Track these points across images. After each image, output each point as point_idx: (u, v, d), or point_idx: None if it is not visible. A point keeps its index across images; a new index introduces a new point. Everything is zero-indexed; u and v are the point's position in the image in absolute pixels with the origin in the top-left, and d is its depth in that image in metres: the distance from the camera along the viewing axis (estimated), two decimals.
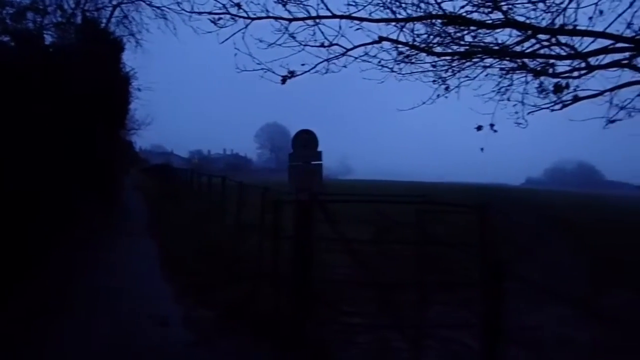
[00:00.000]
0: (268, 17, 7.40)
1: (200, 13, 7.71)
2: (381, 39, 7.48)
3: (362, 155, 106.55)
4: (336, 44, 7.64)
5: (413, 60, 8.25)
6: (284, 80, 7.82)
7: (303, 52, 7.86)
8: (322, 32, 7.56)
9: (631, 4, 7.01)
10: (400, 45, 7.76)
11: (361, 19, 7.18)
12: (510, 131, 9.19)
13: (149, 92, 26.29)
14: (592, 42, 7.47)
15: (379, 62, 7.96)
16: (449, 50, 8.45)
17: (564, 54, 7.71)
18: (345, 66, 7.84)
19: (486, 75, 8.89)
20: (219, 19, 7.44)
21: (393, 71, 8.44)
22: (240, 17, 7.37)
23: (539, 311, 7.42)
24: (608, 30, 7.44)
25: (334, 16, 7.16)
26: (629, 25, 7.62)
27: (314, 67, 7.83)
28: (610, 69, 8.05)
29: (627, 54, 7.59)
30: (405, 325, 5.80)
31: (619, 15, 7.07)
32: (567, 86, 7.91)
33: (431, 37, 7.94)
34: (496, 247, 4.89)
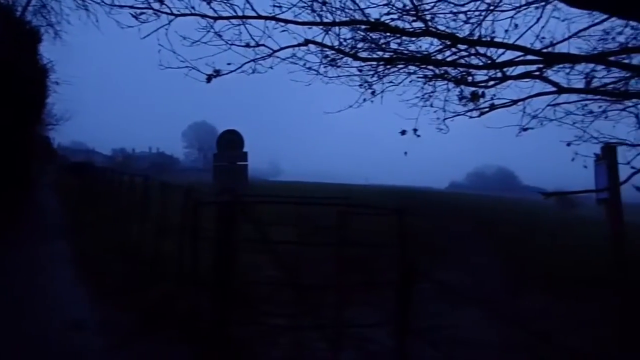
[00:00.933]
0: (192, 14, 7.24)
1: (121, 7, 7.43)
2: (307, 41, 7.52)
3: (293, 157, 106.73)
4: (263, 45, 7.62)
5: (339, 64, 8.38)
6: (209, 79, 7.70)
7: (230, 51, 7.79)
8: (248, 32, 7.52)
9: (538, 20, 7.48)
10: (326, 49, 7.85)
11: (286, 21, 7.19)
12: (435, 136, 9.53)
13: (69, 86, 24.89)
14: (503, 53, 7.90)
15: (304, 64, 8.02)
16: (375, 56, 8.64)
17: (482, 63, 8.07)
18: (271, 67, 7.85)
19: (410, 82, 9.19)
20: (141, 13, 7.21)
21: (320, 74, 8.54)
22: (163, 12, 7.18)
23: (457, 312, 7.74)
24: (522, 44, 7.90)
25: (260, 17, 7.12)
26: (541, 39, 8.15)
27: (240, 67, 7.76)
28: (524, 80, 8.54)
29: (538, 66, 8.07)
30: (325, 326, 5.86)
31: (529, 28, 7.52)
32: (483, 95, 8.31)
33: (357, 42, 8.10)
34: (412, 249, 5.04)
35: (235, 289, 6.17)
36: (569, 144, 9.04)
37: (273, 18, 7.12)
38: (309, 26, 7.40)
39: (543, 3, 7.24)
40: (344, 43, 8.21)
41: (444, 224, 18.98)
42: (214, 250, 6.14)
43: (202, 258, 6.48)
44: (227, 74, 7.75)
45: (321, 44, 7.64)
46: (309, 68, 8.30)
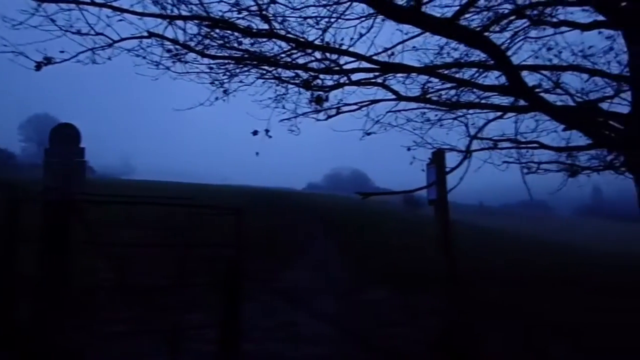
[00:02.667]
0: None
1: None
2: (150, 34, 7.17)
3: (148, 154, 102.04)
4: (102, 34, 7.11)
5: (185, 60, 8.11)
6: (38, 66, 7.02)
7: (72, 39, 7.18)
8: (85, 20, 6.96)
9: (369, 29, 7.93)
10: (170, 43, 7.54)
11: (123, 10, 6.77)
12: (295, 138, 9.64)
13: None
14: (338, 58, 8.23)
15: (144, 57, 7.65)
16: (225, 54, 8.50)
17: (326, 67, 8.34)
18: (110, 58, 7.34)
19: (264, 83, 9.19)
20: None
21: (168, 69, 8.20)
22: None
23: (294, 310, 7.92)
24: (367, 52, 8.28)
25: (94, 3, 6.60)
26: (385, 49, 8.61)
27: (75, 56, 7.18)
28: (368, 87, 8.98)
29: (379, 74, 8.53)
30: (163, 329, 5.62)
31: (360, 36, 7.94)
32: (327, 98, 8.59)
33: (205, 38, 7.88)
34: (251, 249, 5.02)
35: (64, 294, 5.69)
36: (408, 149, 9.72)
37: (108, 6, 6.64)
38: (153, 18, 7.05)
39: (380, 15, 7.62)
40: (193, 39, 7.97)
41: (295, 223, 19.41)
42: (41, 254, 5.61)
43: (29, 262, 5.87)
44: (60, 62, 7.11)
45: (163, 37, 7.31)
46: (156, 62, 7.95)
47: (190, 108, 8.92)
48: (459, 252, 7.64)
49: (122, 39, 7.20)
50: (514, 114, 9.01)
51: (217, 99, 9.02)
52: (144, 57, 7.63)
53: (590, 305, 9.38)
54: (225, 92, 9.04)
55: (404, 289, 10.72)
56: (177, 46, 7.66)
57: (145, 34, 7.43)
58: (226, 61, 8.53)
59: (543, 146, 9.33)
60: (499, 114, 9.04)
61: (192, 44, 7.90)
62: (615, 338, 7.29)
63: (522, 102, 8.41)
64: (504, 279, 11.81)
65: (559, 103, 9.19)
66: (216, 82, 8.91)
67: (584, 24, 8.44)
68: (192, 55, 8.18)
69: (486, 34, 8.92)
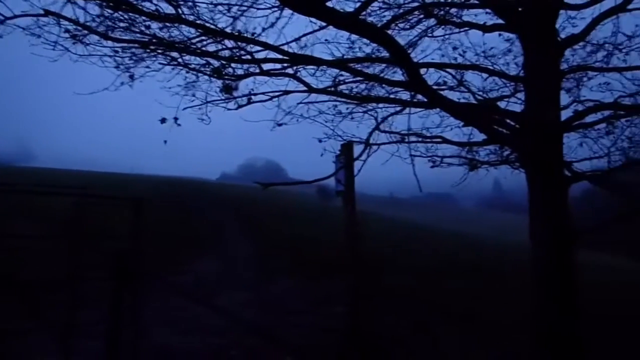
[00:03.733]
0: None
1: None
2: (47, 12, 6.72)
3: (52, 141, 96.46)
4: None
5: (87, 41, 7.68)
6: None
7: None
8: None
9: (277, 19, 7.94)
10: (69, 23, 7.12)
11: None
12: (209, 128, 9.40)
13: None
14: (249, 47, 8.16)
15: (39, 37, 7.17)
16: (131, 37, 8.14)
17: (237, 56, 8.23)
18: (1, 36, 6.82)
19: (173, 69, 8.90)
20: None
21: (65, 49, 7.72)
22: None
23: (202, 302, 7.82)
24: (278, 43, 8.24)
25: None
26: (297, 40, 8.63)
27: None
28: (280, 77, 8.96)
29: (291, 65, 8.53)
30: (54, 326, 5.34)
31: (271, 25, 7.92)
32: (236, 87, 8.47)
33: (109, 19, 7.50)
34: (149, 241, 4.86)
35: None
36: (320, 141, 9.83)
37: None
38: None
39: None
40: (96, 19, 7.56)
41: (205, 214, 19.07)
42: None
43: None
44: None
45: (63, 17, 6.89)
46: (53, 43, 7.47)
47: (93, 92, 8.49)
48: (365, 242, 7.87)
49: (16, 16, 6.72)
50: (420, 109, 9.35)
51: (122, 84, 8.63)
52: (39, 37, 7.16)
53: (480, 293, 9.99)
54: (132, 77, 8.66)
55: (312, 279, 10.89)
56: (77, 27, 7.23)
57: (42, 11, 6.98)
58: (132, 45, 8.18)
59: (446, 141, 9.78)
60: (402, 108, 9.36)
61: (94, 25, 7.50)
62: (503, 325, 7.83)
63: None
64: (405, 267, 12.31)
65: (462, 100, 9.67)
66: (121, 67, 8.53)
67: (485, 26, 8.90)
68: (95, 37, 7.78)
69: (395, 30, 9.22)
